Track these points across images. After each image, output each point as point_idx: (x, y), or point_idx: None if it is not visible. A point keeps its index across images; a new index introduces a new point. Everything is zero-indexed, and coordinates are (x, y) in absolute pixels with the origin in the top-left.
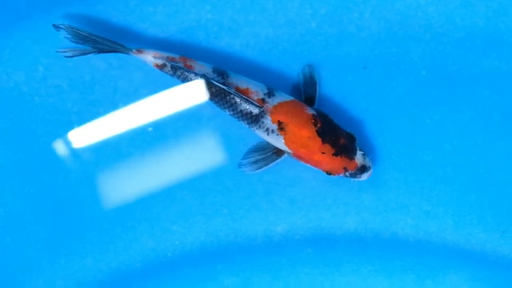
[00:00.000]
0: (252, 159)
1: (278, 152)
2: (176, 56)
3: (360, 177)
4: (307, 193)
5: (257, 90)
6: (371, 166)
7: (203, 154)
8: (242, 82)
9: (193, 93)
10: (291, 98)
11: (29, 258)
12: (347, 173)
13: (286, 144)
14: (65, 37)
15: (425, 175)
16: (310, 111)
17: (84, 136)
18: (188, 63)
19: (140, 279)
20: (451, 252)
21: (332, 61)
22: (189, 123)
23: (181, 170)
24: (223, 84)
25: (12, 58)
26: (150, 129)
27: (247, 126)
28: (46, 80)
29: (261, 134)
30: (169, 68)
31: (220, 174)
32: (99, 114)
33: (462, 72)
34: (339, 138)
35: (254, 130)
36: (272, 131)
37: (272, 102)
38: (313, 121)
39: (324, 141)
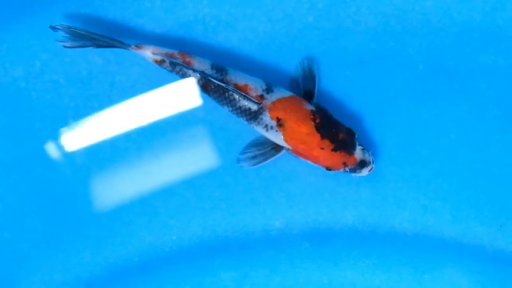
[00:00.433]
0: (251, 154)
1: (277, 147)
2: (175, 52)
3: (360, 172)
4: (304, 188)
5: (255, 86)
6: (371, 161)
7: (200, 149)
8: (241, 79)
9: (190, 89)
10: (290, 93)
11: (27, 253)
12: (347, 169)
13: (285, 140)
14: (64, 37)
15: (422, 169)
16: (308, 106)
17: (82, 131)
18: (187, 59)
19: (138, 274)
20: (449, 246)
21: (329, 55)
22: (186, 118)
23: (179, 165)
24: (222, 80)
25: (9, 53)
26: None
27: (246, 122)
28: (43, 75)
29: (260, 131)
30: (168, 64)
31: (218, 169)
32: (96, 109)
33: (460, 67)
34: (338, 133)
35: (253, 126)
36: (271, 128)
37: (270, 98)
38: (311, 116)
39: (323, 136)
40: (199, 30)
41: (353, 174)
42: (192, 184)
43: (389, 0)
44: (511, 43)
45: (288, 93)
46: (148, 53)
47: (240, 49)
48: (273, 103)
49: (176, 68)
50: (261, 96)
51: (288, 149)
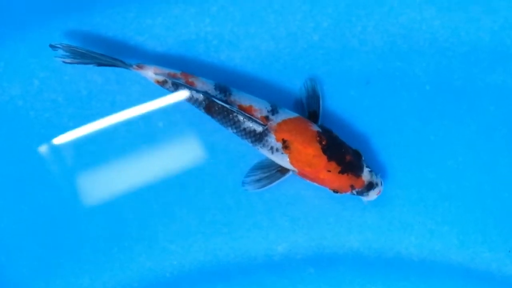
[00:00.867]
0: (256, 177)
1: (283, 170)
2: (178, 72)
3: (368, 195)
4: (308, 211)
5: (260, 107)
6: (379, 183)
7: (202, 171)
8: (245, 99)
9: (192, 110)
10: (295, 114)
11: (25, 278)
12: (354, 191)
13: (291, 163)
14: (63, 55)
15: (429, 192)
16: (314, 128)
17: (81, 153)
18: (190, 80)
19: None
20: (456, 271)
21: (334, 75)
22: (188, 139)
23: (180, 187)
24: (226, 101)
25: (7, 71)
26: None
27: (250, 144)
28: (41, 94)
29: (265, 153)
30: (170, 85)
31: (220, 191)
32: (96, 130)
33: (467, 87)
34: (345, 155)
35: (258, 148)
36: (277, 150)
37: (276, 120)
38: (318, 138)
39: (329, 158)
40: (200, 48)
41: (362, 198)
42: (193, 208)
43: (396, 19)
44: None
45: (293, 114)
46: (150, 73)
47: (243, 68)
48: (279, 124)
49: (179, 89)
50: (266, 118)
51: (294, 171)
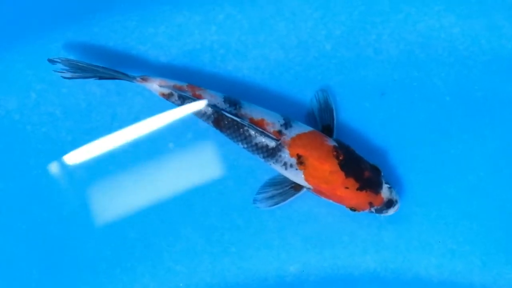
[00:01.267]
0: (268, 194)
1: (296, 187)
2: (184, 85)
3: (386, 212)
4: (322, 230)
5: (273, 121)
6: (398, 200)
7: (209, 188)
8: (257, 113)
9: (199, 123)
10: (310, 128)
11: None
12: (372, 209)
13: (306, 179)
14: (63, 69)
15: (449, 209)
16: (330, 142)
17: (80, 168)
18: (197, 92)
19: None
20: None
21: (348, 86)
22: (195, 154)
23: (186, 205)
24: (236, 115)
25: (2, 84)
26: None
27: (262, 160)
28: (39, 107)
29: (278, 169)
30: (176, 98)
31: (228, 209)
32: (96, 144)
33: (489, 98)
34: (363, 171)
35: (270, 164)
36: (291, 166)
37: (289, 134)
38: (334, 153)
39: (347, 174)
40: (206, 58)
41: (380, 215)
42: (199, 226)
43: (413, 27)
44: None
45: (308, 128)
46: (155, 86)
47: (251, 79)
48: (293, 139)
49: (186, 102)
50: (279, 132)
51: (308, 188)
